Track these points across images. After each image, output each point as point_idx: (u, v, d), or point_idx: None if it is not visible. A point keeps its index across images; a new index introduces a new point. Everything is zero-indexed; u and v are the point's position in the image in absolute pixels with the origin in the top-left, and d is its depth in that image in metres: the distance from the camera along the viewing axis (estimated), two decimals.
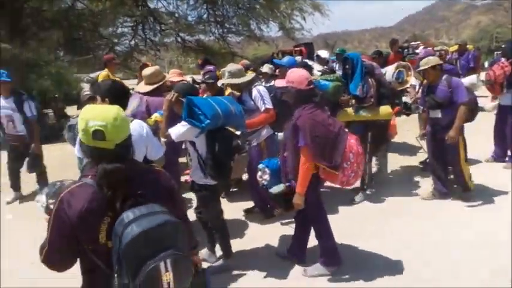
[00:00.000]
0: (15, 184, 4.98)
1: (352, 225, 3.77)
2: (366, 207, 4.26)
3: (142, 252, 1.25)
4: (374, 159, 4.84)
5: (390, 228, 3.69)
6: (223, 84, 4.10)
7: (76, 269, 1.49)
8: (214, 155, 2.70)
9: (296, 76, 2.85)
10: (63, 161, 5.53)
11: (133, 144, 1.49)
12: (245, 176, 4.59)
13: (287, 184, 2.94)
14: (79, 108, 6.48)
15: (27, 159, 4.92)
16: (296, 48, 14.05)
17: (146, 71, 3.72)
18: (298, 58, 6.75)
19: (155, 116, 3.20)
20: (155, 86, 3.61)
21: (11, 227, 4.22)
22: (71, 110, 10.95)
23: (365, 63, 4.30)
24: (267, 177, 3.05)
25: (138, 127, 2.49)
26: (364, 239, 3.46)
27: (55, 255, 1.42)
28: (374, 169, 4.85)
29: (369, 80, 4.20)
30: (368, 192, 4.50)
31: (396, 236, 3.53)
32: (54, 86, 15.87)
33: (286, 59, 4.95)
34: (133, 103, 3.45)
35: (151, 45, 14.89)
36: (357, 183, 4.48)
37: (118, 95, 2.35)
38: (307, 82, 2.83)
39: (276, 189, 2.97)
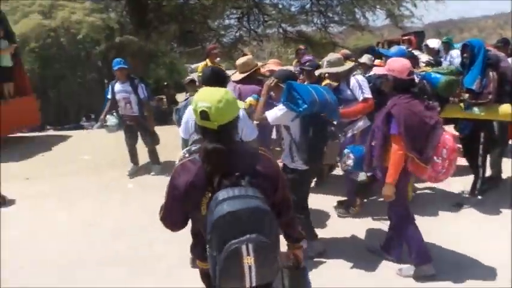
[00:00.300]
0: (133, 158, 5.65)
1: (454, 230, 3.47)
2: (472, 213, 3.84)
3: (227, 231, 1.32)
4: (488, 162, 4.30)
5: (499, 240, 3.28)
6: (321, 74, 4.09)
7: None
8: (307, 139, 2.80)
9: (398, 65, 2.75)
10: (172, 140, 6.17)
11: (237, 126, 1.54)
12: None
13: (369, 174, 2.92)
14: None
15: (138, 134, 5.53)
16: (404, 37, 13.07)
17: (239, 61, 3.94)
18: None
19: (249, 99, 3.41)
20: (246, 74, 3.79)
21: (131, 195, 4.93)
22: (180, 97, 12.08)
23: (489, 53, 3.79)
24: (350, 162, 3.04)
25: None
26: (464, 245, 3.17)
27: (169, 216, 1.63)
28: (488, 174, 4.32)
29: (491, 73, 3.69)
30: (479, 198, 4.04)
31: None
32: (167, 75, 17.75)
33: (394, 49, 4.63)
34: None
35: (255, 36, 15.45)
36: (467, 188, 4.10)
37: (215, 80, 2.65)
38: (408, 72, 2.73)
39: (361, 176, 2.95)
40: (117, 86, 5.33)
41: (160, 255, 3.34)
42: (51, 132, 9.45)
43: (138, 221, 3.97)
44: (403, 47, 6.15)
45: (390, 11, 13.36)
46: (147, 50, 11.51)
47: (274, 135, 4.08)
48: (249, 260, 1.31)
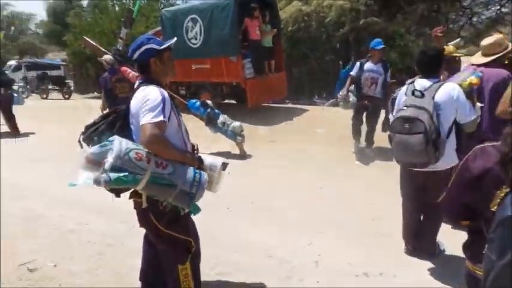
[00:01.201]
0: (355, 136, 5.80)
1: None
2: None
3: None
4: None
5: None
6: None
7: None
8: None
9: None
10: None
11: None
12: None
13: None
14: None
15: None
16: None
17: (485, 41, 3.35)
18: None
19: (471, 78, 3.03)
20: (492, 57, 3.20)
21: (355, 170, 5.22)
22: None
23: None
24: None
25: (449, 90, 2.61)
26: None
27: (449, 202, 1.48)
28: None
29: None
30: None
31: None
32: (399, 58, 16.81)
33: None
34: (464, 74, 3.24)
35: None
36: None
37: (420, 61, 2.77)
38: None
39: None
40: (368, 65, 5.42)
41: (374, 231, 3.41)
42: (290, 105, 10.89)
43: (359, 194, 4.23)
44: None
45: None
46: (387, 31, 11.27)
47: None
48: None
